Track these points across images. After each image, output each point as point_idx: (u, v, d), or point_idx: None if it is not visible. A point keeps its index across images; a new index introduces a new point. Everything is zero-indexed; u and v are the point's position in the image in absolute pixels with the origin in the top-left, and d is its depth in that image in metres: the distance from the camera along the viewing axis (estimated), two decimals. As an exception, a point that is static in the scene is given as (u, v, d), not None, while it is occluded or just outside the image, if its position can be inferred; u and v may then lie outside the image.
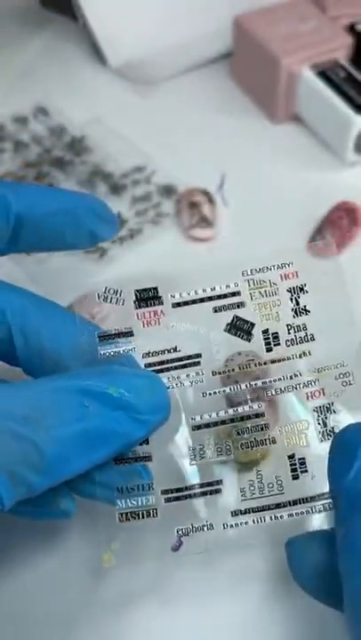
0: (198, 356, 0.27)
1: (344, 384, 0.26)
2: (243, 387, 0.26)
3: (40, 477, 0.22)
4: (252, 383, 0.27)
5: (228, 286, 0.27)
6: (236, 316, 0.27)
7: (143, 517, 0.25)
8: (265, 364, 0.27)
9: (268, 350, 0.27)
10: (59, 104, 0.49)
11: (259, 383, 0.27)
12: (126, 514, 0.25)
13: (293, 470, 0.26)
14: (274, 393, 0.27)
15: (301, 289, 0.27)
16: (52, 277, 0.39)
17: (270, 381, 0.27)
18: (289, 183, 0.44)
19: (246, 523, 0.25)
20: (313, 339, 0.27)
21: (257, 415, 0.26)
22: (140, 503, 0.26)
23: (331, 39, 0.46)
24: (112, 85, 0.51)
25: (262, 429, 0.26)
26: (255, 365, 0.27)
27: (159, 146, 0.45)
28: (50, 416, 0.23)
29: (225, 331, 0.27)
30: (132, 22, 0.49)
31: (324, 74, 0.45)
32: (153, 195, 0.43)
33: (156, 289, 0.27)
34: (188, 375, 0.27)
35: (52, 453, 0.22)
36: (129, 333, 0.27)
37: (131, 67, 0.50)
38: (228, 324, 0.27)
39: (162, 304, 0.27)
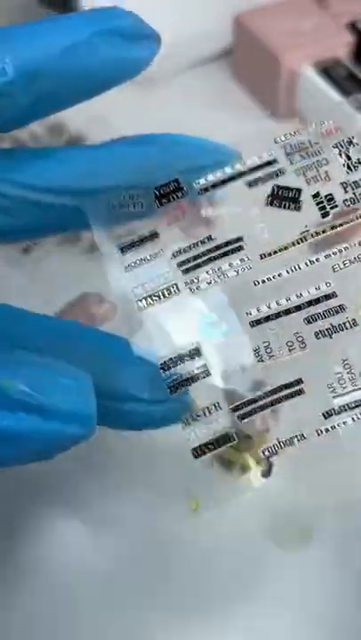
0: (239, 239, 0.22)
1: None
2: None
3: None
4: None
5: (260, 157, 0.23)
6: (277, 186, 0.23)
7: (220, 446, 0.22)
8: (323, 232, 0.22)
9: (325, 215, 0.22)
10: (58, 102, 0.48)
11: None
12: (200, 447, 0.22)
13: None
14: (342, 266, 0.22)
15: (350, 142, 0.23)
16: (50, 276, 0.38)
17: (335, 253, 0.22)
18: (290, 182, 0.44)
19: (345, 423, 0.21)
20: None
21: (327, 297, 0.22)
22: (211, 430, 0.22)
23: (332, 37, 0.46)
24: (112, 84, 0.51)
25: (337, 312, 0.22)
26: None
27: (159, 144, 0.45)
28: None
29: (267, 204, 0.23)
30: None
31: (326, 71, 0.44)
32: (153, 194, 0.43)
33: (177, 181, 0.23)
34: (230, 264, 0.22)
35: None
36: (153, 235, 0.23)
37: (130, 65, 0.50)
38: (268, 197, 0.23)
39: (186, 194, 0.23)
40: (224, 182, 0.23)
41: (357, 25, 0.47)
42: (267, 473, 0.22)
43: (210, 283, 0.22)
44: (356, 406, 0.21)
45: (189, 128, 0.48)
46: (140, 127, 0.48)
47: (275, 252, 0.22)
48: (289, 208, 0.22)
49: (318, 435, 0.21)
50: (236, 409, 0.22)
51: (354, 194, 0.22)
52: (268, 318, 0.22)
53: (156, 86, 0.50)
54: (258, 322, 0.22)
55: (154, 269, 0.23)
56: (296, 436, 0.21)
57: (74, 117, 0.47)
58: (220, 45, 0.51)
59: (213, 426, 0.22)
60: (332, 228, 0.22)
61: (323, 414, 0.21)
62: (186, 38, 0.49)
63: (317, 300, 0.22)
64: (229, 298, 0.22)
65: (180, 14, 0.49)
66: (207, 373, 0.22)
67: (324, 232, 0.22)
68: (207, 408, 0.22)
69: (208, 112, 0.48)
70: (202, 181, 0.23)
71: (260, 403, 0.22)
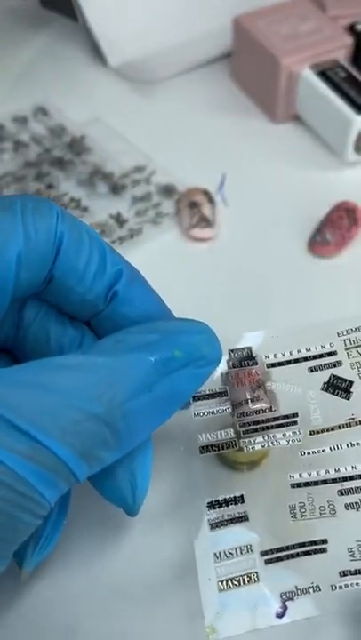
0: (295, 415, 0.26)
1: None
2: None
3: (112, 453, 0.22)
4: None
5: (323, 347, 0.27)
6: (334, 375, 0.27)
7: (244, 583, 0.24)
8: None
9: None
10: (59, 104, 0.49)
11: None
12: (226, 581, 0.24)
13: None
14: None
15: None
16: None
17: None
18: (289, 183, 0.44)
19: (358, 584, 0.24)
20: None
21: None
22: (239, 567, 0.25)
23: (331, 39, 0.46)
24: (112, 85, 0.51)
25: None
26: None
27: (159, 146, 0.45)
28: (122, 390, 0.22)
29: (322, 390, 0.27)
30: (132, 22, 0.49)
31: (324, 74, 0.45)
32: (153, 195, 0.43)
33: (250, 349, 0.27)
34: (284, 435, 0.26)
35: (125, 429, 0.22)
36: (223, 393, 0.27)
37: (131, 67, 0.50)
38: (325, 383, 0.27)
39: (256, 364, 0.27)
40: (289, 363, 0.27)
41: (356, 27, 0.47)
42: (281, 614, 0.24)
43: (263, 446, 0.26)
44: None
45: (188, 130, 0.48)
46: (139, 128, 0.49)
47: (322, 431, 0.26)
48: (340, 396, 0.26)
49: (332, 589, 0.24)
50: (264, 553, 0.25)
51: None
52: (307, 484, 0.26)
53: (156, 88, 0.51)
54: (298, 485, 0.26)
55: None
56: (313, 586, 0.24)
57: (75, 119, 0.48)
58: (220, 47, 0.51)
59: (241, 564, 0.25)
60: None
61: (339, 573, 0.24)
62: (185, 40, 0.50)
63: (352, 477, 0.26)
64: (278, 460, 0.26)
65: (179, 17, 0.49)
66: (246, 518, 0.25)
67: None
68: (239, 548, 0.25)
69: (207, 114, 0.49)
70: (270, 357, 0.27)
71: (287, 552, 0.25)
